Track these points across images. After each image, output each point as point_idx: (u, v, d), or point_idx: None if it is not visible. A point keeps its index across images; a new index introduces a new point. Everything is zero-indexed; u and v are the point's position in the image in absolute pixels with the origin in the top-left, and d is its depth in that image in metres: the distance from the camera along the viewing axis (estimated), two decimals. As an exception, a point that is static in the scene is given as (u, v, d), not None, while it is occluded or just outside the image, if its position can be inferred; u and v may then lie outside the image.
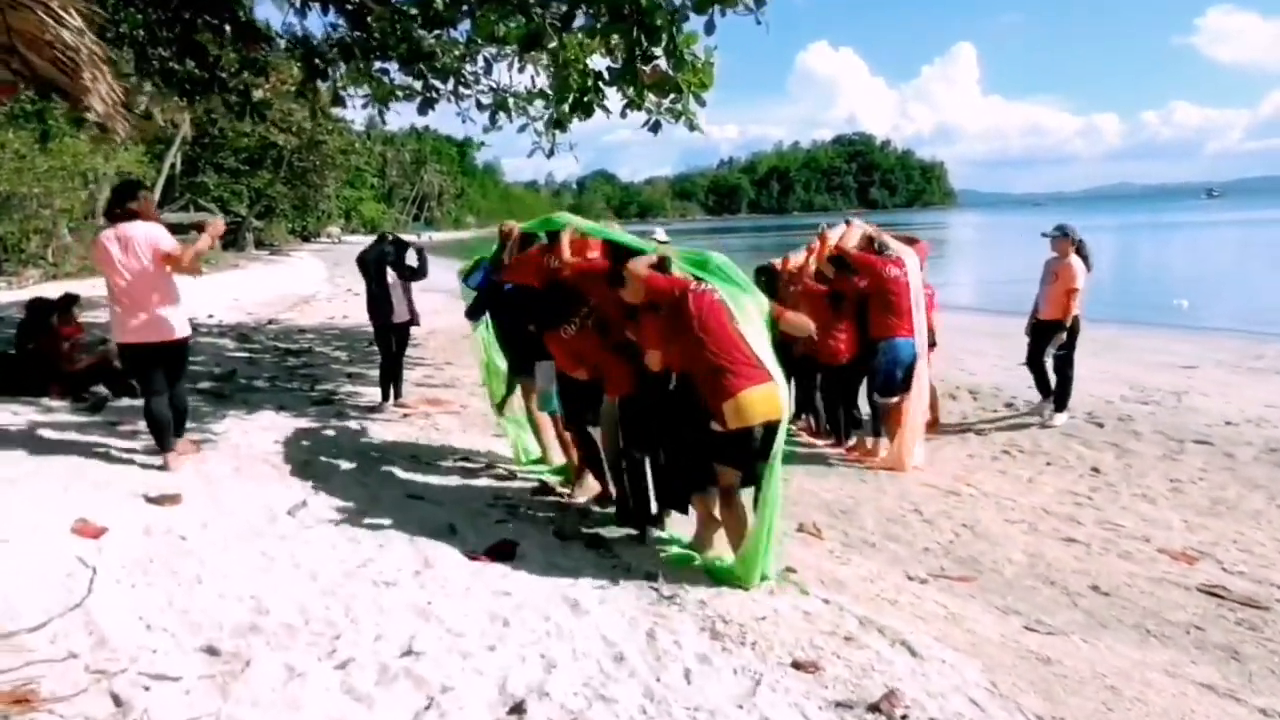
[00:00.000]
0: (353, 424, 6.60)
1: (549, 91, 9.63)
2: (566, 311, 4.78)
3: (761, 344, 3.97)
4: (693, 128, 9.38)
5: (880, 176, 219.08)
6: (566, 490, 5.03)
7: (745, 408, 3.71)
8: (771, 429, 3.76)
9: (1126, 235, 49.09)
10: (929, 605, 3.57)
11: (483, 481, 5.22)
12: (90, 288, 19.96)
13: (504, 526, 4.30)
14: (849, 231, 6.77)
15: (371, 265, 7.64)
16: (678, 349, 4.04)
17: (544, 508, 4.68)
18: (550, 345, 4.93)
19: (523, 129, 11.08)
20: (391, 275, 7.63)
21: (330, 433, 6.23)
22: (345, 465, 5.31)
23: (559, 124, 10.29)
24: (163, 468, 4.81)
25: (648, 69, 7.64)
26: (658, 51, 7.24)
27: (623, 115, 9.19)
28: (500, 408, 6.16)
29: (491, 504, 4.66)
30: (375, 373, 9.59)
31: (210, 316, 14.72)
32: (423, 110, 10.34)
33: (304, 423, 6.52)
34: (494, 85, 10.90)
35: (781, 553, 4.20)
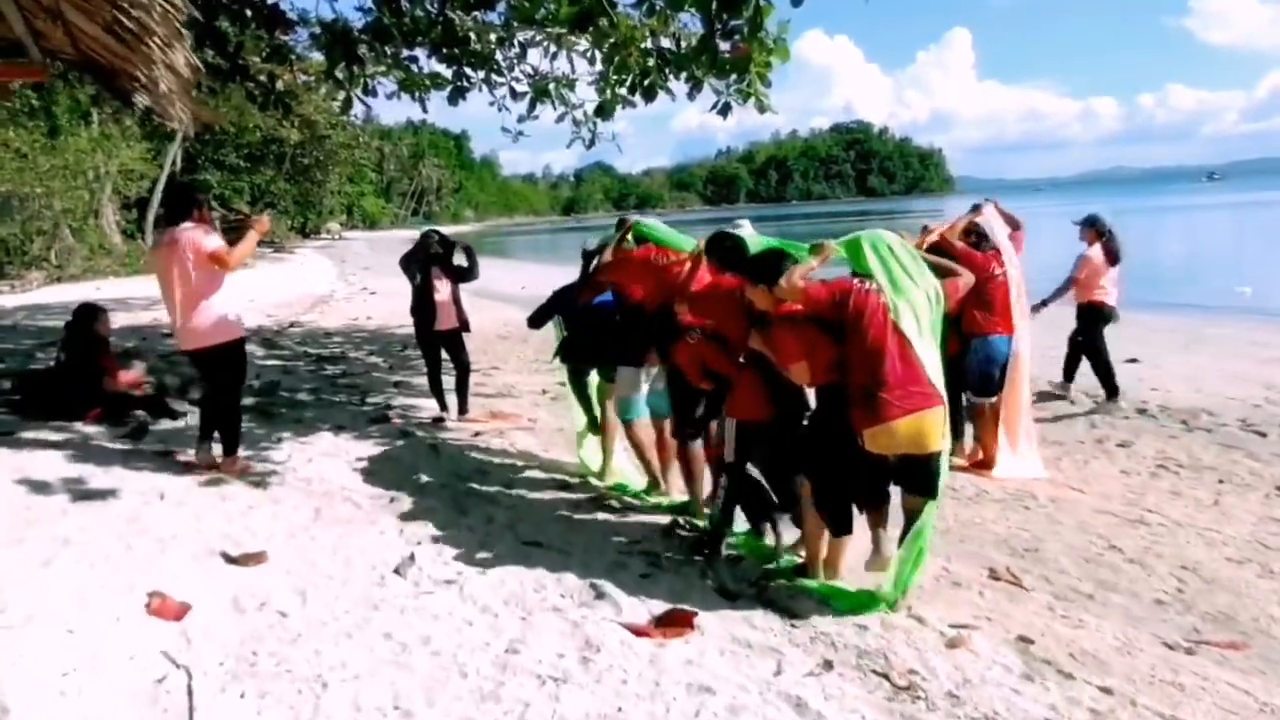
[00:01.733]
0: (423, 446, 5.86)
1: (609, 74, 8.84)
2: (679, 328, 4.26)
3: (930, 352, 3.37)
4: (763, 109, 8.60)
5: (878, 164, 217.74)
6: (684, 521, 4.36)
7: (889, 437, 3.28)
8: (915, 460, 3.34)
9: (1145, 219, 48.28)
10: (1227, 690, 2.86)
11: (598, 517, 4.49)
12: (93, 290, 19.21)
13: (652, 583, 3.58)
14: (954, 222, 6.07)
15: (416, 267, 6.90)
16: (824, 359, 3.45)
17: (688, 552, 3.95)
18: (677, 356, 4.31)
19: (561, 118, 10.33)
20: (439, 278, 6.89)
21: (403, 458, 5.49)
22: (436, 501, 4.58)
23: (602, 111, 9.56)
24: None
25: (725, 45, 6.88)
26: (737, 24, 6.50)
27: (690, 98, 8.43)
28: (593, 426, 5.55)
29: (625, 551, 3.93)
30: (422, 380, 8.89)
31: (229, 320, 13.98)
32: (453, 100, 9.57)
33: (370, 446, 5.79)
34: (531, 71, 10.16)
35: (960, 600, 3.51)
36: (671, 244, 4.71)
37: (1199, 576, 3.90)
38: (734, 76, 8.08)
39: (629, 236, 5.09)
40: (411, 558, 3.64)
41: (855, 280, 3.45)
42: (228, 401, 4.84)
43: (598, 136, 10.80)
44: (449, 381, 7.15)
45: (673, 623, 3.14)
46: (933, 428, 3.32)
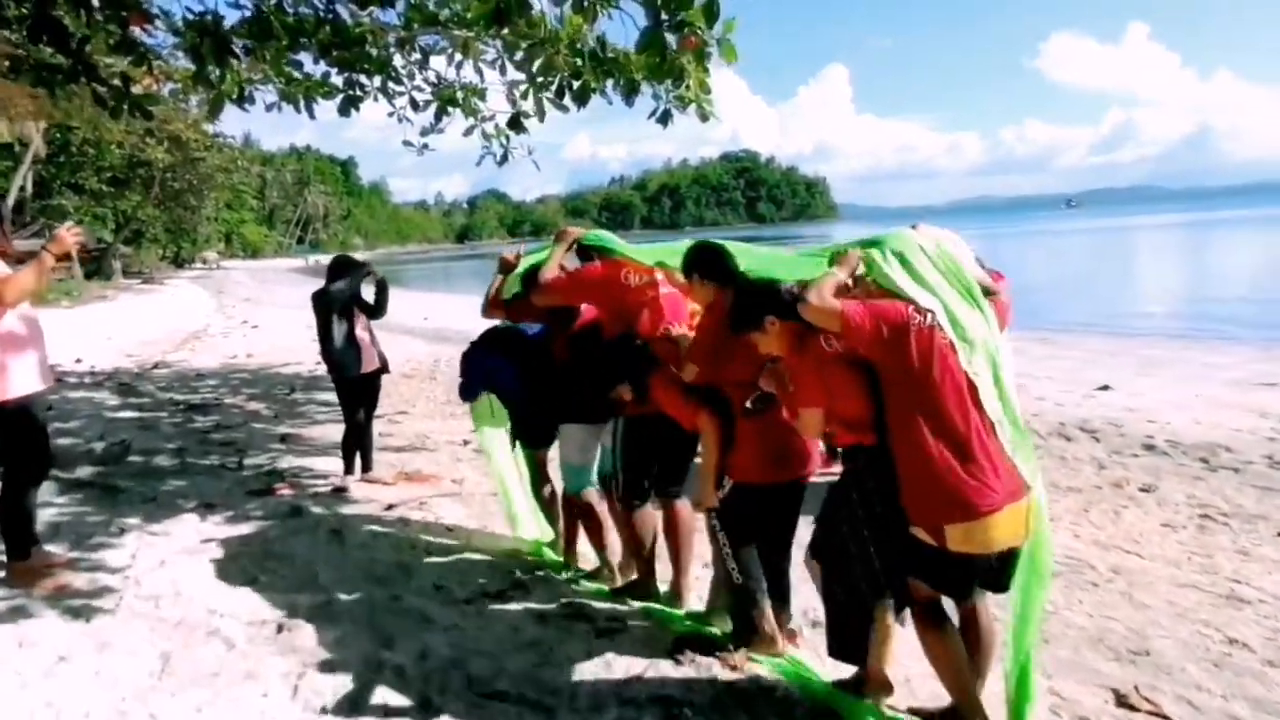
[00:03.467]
0: (323, 531, 4.51)
1: (534, 76, 7.69)
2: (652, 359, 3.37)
3: (1008, 413, 2.47)
4: (705, 117, 7.65)
5: (767, 192, 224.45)
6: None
7: (986, 535, 2.38)
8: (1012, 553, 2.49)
9: (1022, 244, 50.59)
10: None
11: (574, 631, 3.29)
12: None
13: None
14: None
15: (338, 305, 5.61)
16: (851, 411, 2.63)
17: (716, 688, 2.81)
18: (659, 393, 3.29)
19: (470, 131, 9.10)
20: (359, 315, 5.73)
21: (296, 553, 4.12)
22: (346, 625, 3.28)
23: (516, 123, 8.43)
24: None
25: (676, 38, 5.88)
26: (686, 16, 5.54)
27: (628, 103, 7.40)
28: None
29: (631, 699, 2.75)
30: (315, 432, 7.47)
31: (79, 361, 11.98)
32: (345, 110, 8.21)
33: (249, 533, 4.40)
34: (434, 79, 8.92)
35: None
36: (636, 259, 3.65)
37: (1367, 683, 3.04)
38: (670, 82, 7.15)
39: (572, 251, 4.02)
40: (314, 747, 2.36)
41: (909, 309, 2.45)
42: (8, 483, 3.47)
43: (510, 151, 9.59)
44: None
45: None
46: (1031, 512, 2.43)
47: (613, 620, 3.38)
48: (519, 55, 7.40)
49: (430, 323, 17.66)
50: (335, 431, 7.44)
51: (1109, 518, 4.98)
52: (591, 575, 3.98)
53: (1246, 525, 4.74)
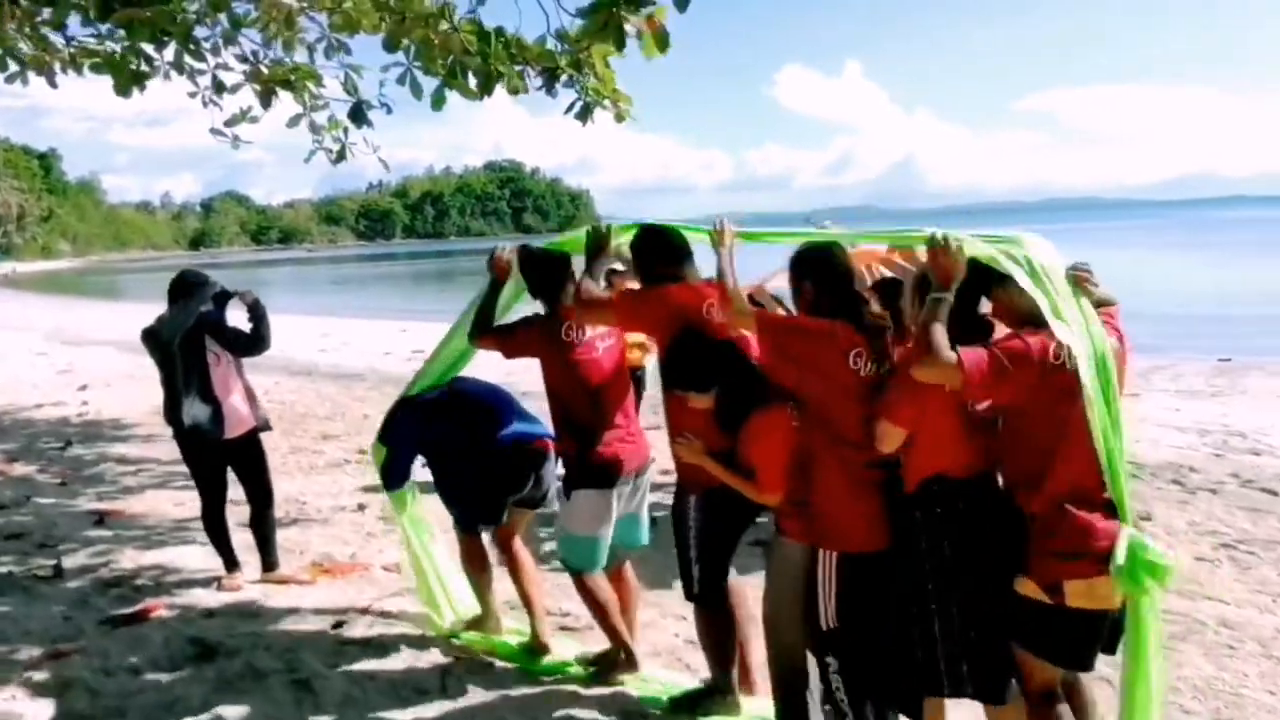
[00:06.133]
0: (276, 678, 3.04)
1: (416, 59, 6.29)
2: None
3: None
4: (620, 117, 6.78)
5: (532, 203, 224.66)
6: None
7: (1107, 589, 2.06)
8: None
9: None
10: None
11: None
12: None
13: None
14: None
15: (181, 343, 4.04)
16: (950, 439, 2.23)
17: None
18: (767, 438, 2.50)
19: (295, 121, 7.48)
20: (216, 358, 4.15)
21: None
22: None
23: (357, 115, 7.03)
24: None
25: (639, 18, 4.96)
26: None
27: (550, 93, 6.32)
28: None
29: None
30: (140, 505, 5.59)
31: None
32: (125, 89, 6.37)
33: (153, 694, 2.87)
34: (245, 54, 7.24)
35: None
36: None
37: None
38: (579, 74, 6.22)
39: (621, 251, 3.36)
40: None
41: (1052, 344, 2.09)
42: None
43: (349, 148, 8.05)
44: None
45: None
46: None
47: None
48: (382, 34, 6.05)
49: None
50: (167, 500, 5.71)
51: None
52: (603, 668, 3.17)
53: (1272, 553, 4.67)
